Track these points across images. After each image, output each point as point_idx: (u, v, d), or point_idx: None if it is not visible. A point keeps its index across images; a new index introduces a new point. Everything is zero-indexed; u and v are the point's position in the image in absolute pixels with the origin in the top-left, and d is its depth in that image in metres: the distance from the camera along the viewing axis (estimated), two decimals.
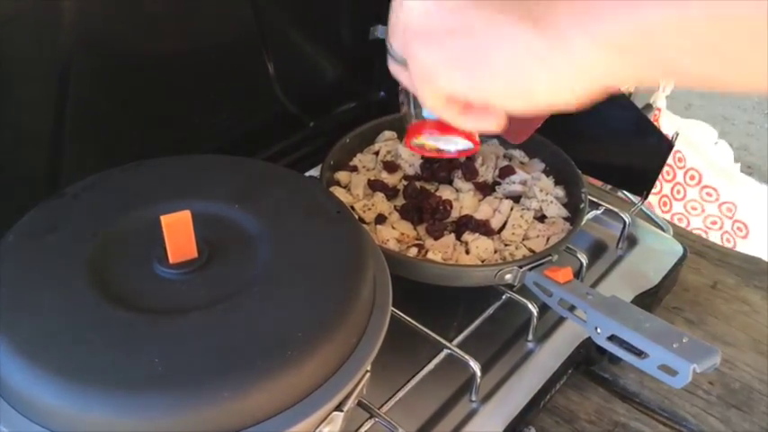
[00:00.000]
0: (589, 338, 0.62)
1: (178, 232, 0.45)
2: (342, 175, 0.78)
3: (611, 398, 0.76)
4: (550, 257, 0.67)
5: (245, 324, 0.43)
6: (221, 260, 0.48)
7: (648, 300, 0.76)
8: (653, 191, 1.39)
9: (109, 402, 0.38)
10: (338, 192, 0.75)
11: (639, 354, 0.57)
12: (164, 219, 0.45)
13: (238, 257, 0.48)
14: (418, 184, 0.78)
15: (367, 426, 0.57)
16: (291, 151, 0.91)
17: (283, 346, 0.42)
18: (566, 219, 0.76)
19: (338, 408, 0.46)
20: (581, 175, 0.77)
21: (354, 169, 0.80)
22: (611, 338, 0.59)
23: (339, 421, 0.46)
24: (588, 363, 0.76)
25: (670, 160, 1.36)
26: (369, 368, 0.49)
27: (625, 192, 0.94)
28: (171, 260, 0.46)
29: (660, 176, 1.38)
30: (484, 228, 0.72)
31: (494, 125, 0.45)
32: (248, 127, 0.87)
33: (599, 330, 0.60)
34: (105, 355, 0.40)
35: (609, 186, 0.99)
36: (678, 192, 1.36)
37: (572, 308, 0.64)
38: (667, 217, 1.40)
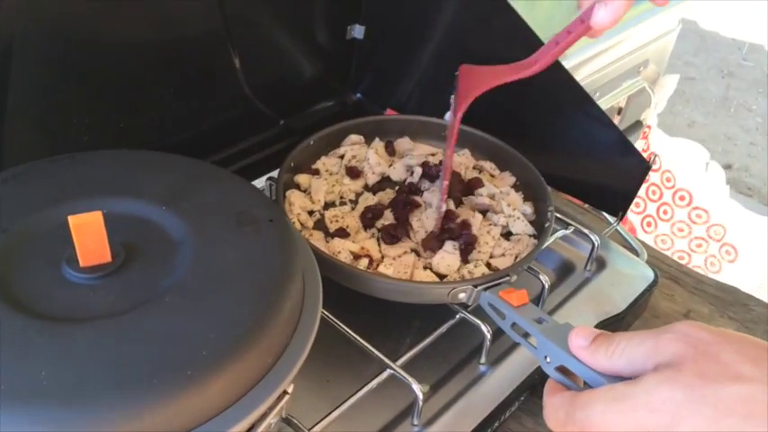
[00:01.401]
0: None
1: (88, 234, 0.43)
2: (302, 178, 0.75)
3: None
4: (508, 278, 0.64)
5: (148, 338, 0.40)
6: (137, 266, 0.45)
7: (613, 326, 0.73)
8: (636, 210, 1.36)
9: None
10: (296, 196, 0.72)
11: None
12: (71, 219, 0.42)
13: (156, 264, 0.45)
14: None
15: None
16: (259, 149, 0.88)
17: (185, 364, 0.39)
18: (533, 236, 0.73)
19: (249, 431, 0.43)
20: (549, 192, 0.74)
21: (317, 173, 0.77)
22: (561, 369, 0.56)
23: None
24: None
25: (657, 180, 1.33)
26: (289, 390, 0.46)
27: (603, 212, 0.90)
28: (81, 263, 0.43)
29: (645, 196, 1.35)
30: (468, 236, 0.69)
31: None
32: (213, 122, 0.84)
33: (548, 359, 0.57)
34: None
35: (588, 206, 0.97)
36: (665, 212, 1.33)
37: (526, 334, 0.61)
38: (650, 238, 1.37)
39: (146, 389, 0.37)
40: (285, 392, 0.46)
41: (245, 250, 0.47)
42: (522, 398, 0.67)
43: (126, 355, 0.39)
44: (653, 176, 1.32)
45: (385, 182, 0.78)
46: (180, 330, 0.41)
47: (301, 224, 0.69)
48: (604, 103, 1.22)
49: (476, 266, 0.67)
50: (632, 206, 1.33)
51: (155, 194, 0.50)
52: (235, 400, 0.41)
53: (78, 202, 0.46)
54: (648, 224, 1.34)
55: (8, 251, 0.44)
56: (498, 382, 0.65)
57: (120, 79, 0.70)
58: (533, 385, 0.68)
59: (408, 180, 0.77)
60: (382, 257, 0.68)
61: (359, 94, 0.97)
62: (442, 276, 0.67)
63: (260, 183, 0.84)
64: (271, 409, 0.44)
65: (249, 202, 0.51)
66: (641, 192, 1.32)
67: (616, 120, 1.31)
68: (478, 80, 0.67)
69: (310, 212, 0.72)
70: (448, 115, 0.72)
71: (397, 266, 0.66)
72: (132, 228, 0.48)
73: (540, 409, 0.73)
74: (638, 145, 1.29)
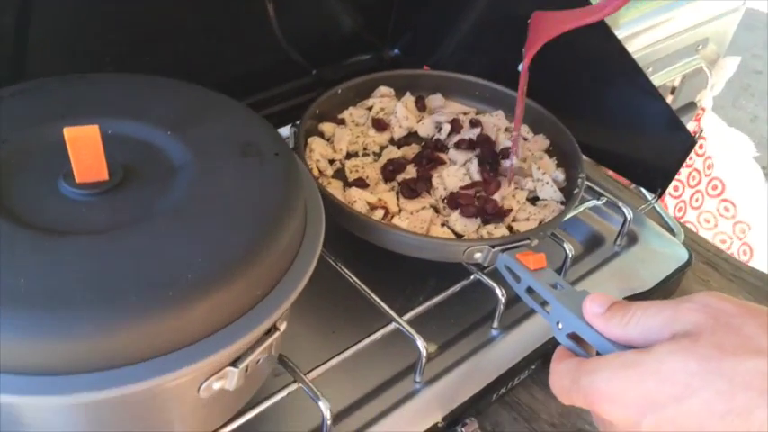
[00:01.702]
0: None
1: (84, 149, 0.41)
2: (326, 127, 0.73)
3: None
4: (528, 241, 0.61)
5: (133, 256, 0.39)
6: (133, 187, 0.44)
7: None
8: (674, 194, 1.30)
9: None
10: (317, 143, 0.71)
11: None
12: (67, 132, 0.41)
13: (153, 187, 0.44)
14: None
15: (290, 389, 0.53)
16: (288, 98, 0.86)
17: (167, 285, 0.37)
18: (561, 203, 0.70)
19: (233, 363, 0.42)
20: (582, 159, 0.71)
21: (342, 122, 0.75)
22: (572, 336, 0.53)
23: (234, 378, 0.42)
24: None
25: (699, 166, 1.26)
26: (280, 327, 0.45)
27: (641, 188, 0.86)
28: (77, 179, 0.42)
29: (686, 180, 1.29)
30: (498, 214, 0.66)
31: None
32: (243, 66, 0.82)
33: (560, 326, 0.54)
34: None
35: (627, 183, 0.92)
36: (696, 200, 1.27)
37: (541, 299, 0.58)
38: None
39: (124, 305, 0.36)
40: (275, 328, 0.44)
41: (245, 181, 0.45)
42: (533, 367, 0.65)
43: (108, 271, 0.38)
44: (696, 162, 1.26)
45: (411, 137, 0.76)
46: (167, 252, 0.39)
47: (320, 171, 0.68)
48: (657, 79, 1.16)
49: (495, 228, 0.64)
50: (671, 189, 1.28)
51: (162, 119, 0.49)
52: (218, 329, 0.39)
53: (83, 119, 0.45)
54: (680, 209, 1.28)
55: (6, 162, 0.44)
56: (509, 347, 0.63)
57: (149, 12, 0.69)
58: (545, 355, 0.65)
59: (436, 137, 0.75)
60: (399, 211, 0.65)
61: (396, 50, 0.94)
62: (459, 236, 0.64)
63: (286, 131, 0.82)
64: (258, 343, 0.43)
65: (257, 134, 0.49)
66: (682, 176, 1.26)
67: (669, 99, 1.25)
68: (546, 27, 0.64)
69: (331, 161, 0.70)
70: (520, 66, 0.69)
71: (414, 221, 0.63)
72: (134, 150, 0.46)
73: None
74: (690, 127, 1.23)
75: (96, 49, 0.66)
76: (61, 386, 0.35)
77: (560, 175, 0.72)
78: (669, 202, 1.29)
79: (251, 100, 0.84)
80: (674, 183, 1.32)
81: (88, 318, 0.35)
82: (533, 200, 0.70)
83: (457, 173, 0.69)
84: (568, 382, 0.44)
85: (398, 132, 0.75)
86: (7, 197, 0.42)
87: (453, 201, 0.66)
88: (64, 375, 0.36)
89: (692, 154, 1.29)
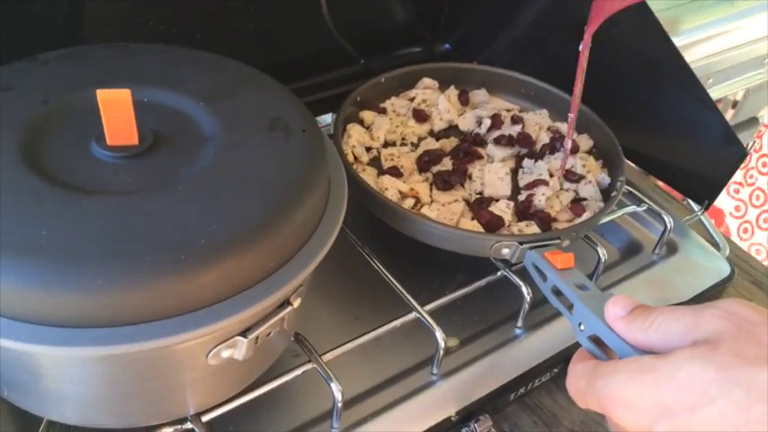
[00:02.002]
0: None
1: (116, 112, 0.43)
2: (367, 114, 0.73)
3: None
4: (558, 241, 0.60)
5: (151, 218, 0.40)
6: (161, 153, 0.45)
7: None
8: (736, 214, 1.25)
9: None
10: (356, 129, 0.71)
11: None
12: (99, 93, 0.42)
13: (180, 154, 0.45)
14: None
15: (304, 369, 0.53)
16: (336, 85, 0.87)
17: (181, 248, 0.38)
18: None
19: (243, 333, 0.42)
20: (623, 161, 0.69)
21: (383, 111, 0.75)
22: (594, 339, 0.52)
23: (243, 348, 0.42)
24: None
25: (763, 184, 1.21)
26: (294, 303, 0.45)
27: (688, 200, 0.84)
28: (108, 141, 0.44)
29: (743, 179, 1.24)
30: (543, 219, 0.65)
31: None
32: (292, 52, 0.83)
33: (582, 327, 0.53)
34: None
35: (674, 193, 0.90)
36: (758, 197, 1.21)
37: (565, 299, 0.57)
38: (736, 224, 1.26)
39: (136, 263, 0.37)
40: (288, 303, 0.45)
41: (269, 155, 0.46)
42: (556, 370, 0.63)
43: (125, 231, 0.38)
44: (759, 180, 1.21)
45: (451, 130, 0.75)
46: (185, 217, 0.40)
47: (355, 157, 0.68)
48: (718, 91, 1.12)
49: (527, 226, 0.63)
50: (732, 209, 1.23)
51: (196, 91, 0.49)
52: (228, 296, 0.40)
53: (119, 85, 0.46)
54: (738, 208, 1.23)
55: (45, 121, 0.45)
56: (531, 347, 0.62)
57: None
58: (569, 359, 0.64)
59: (475, 131, 0.74)
60: (431, 202, 0.65)
61: (447, 45, 0.94)
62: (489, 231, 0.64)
63: (328, 118, 0.83)
64: (269, 316, 0.43)
65: (287, 111, 0.49)
66: (737, 176, 1.21)
67: (730, 113, 1.21)
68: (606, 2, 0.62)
69: (368, 149, 0.70)
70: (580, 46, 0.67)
71: (444, 212, 0.63)
72: (167, 118, 0.47)
73: None
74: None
75: (148, 24, 0.68)
76: (70, 338, 0.36)
77: (606, 179, 0.70)
78: (726, 204, 1.24)
79: (297, 85, 0.84)
80: (734, 203, 1.27)
81: (100, 273, 0.36)
82: (576, 201, 0.69)
83: (499, 170, 0.68)
84: (584, 384, 0.43)
85: (438, 125, 0.74)
86: (43, 155, 0.43)
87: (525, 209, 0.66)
88: (74, 328, 0.37)
89: (755, 173, 1.24)
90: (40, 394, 0.43)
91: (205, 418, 0.48)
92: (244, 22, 0.75)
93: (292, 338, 0.53)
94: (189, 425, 0.48)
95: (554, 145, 0.72)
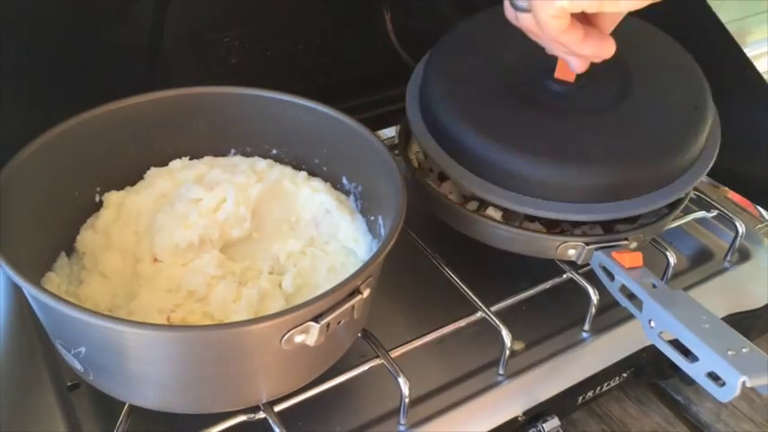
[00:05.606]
0: (654, 345, 0.54)
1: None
2: None
3: (676, 422, 0.67)
4: (626, 241, 0.59)
5: (616, 128, 0.58)
6: (593, 88, 0.60)
7: (746, 322, 0.65)
8: None
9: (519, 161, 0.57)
10: None
11: (688, 355, 0.49)
12: None
13: (606, 90, 0.60)
14: None
15: (372, 364, 0.54)
16: (400, 100, 0.89)
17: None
18: None
19: (314, 319, 0.44)
20: None
21: None
22: (664, 336, 0.51)
23: (315, 333, 0.44)
24: (657, 376, 0.67)
25: None
26: (362, 291, 0.46)
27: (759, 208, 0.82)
28: (556, 75, 0.60)
29: None
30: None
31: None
32: (360, 68, 0.86)
33: (653, 324, 0.52)
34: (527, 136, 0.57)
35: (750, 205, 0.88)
36: None
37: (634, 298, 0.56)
38: None
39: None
40: (358, 291, 0.46)
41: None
42: (624, 375, 0.62)
43: (611, 137, 0.58)
44: None
45: None
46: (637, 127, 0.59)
47: (419, 163, 0.69)
48: None
49: (591, 229, 0.63)
50: None
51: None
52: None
53: None
54: None
55: (516, 63, 0.64)
56: (598, 351, 0.61)
57: (275, 8, 0.74)
58: (639, 365, 0.63)
59: None
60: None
61: None
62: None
63: (393, 131, 0.85)
64: (340, 303, 0.45)
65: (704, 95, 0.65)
66: None
67: None
68: None
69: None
70: None
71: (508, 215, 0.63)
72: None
73: (649, 400, 0.68)
74: None
75: (222, 38, 0.72)
76: None
77: None
78: None
79: (364, 100, 0.87)
80: None
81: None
82: None
83: None
84: None
85: None
86: (522, 87, 0.61)
87: None
88: None
89: None
90: (125, 377, 0.45)
91: (277, 408, 0.50)
92: (311, 41, 0.79)
93: (360, 334, 0.54)
94: (262, 414, 0.50)
95: None
